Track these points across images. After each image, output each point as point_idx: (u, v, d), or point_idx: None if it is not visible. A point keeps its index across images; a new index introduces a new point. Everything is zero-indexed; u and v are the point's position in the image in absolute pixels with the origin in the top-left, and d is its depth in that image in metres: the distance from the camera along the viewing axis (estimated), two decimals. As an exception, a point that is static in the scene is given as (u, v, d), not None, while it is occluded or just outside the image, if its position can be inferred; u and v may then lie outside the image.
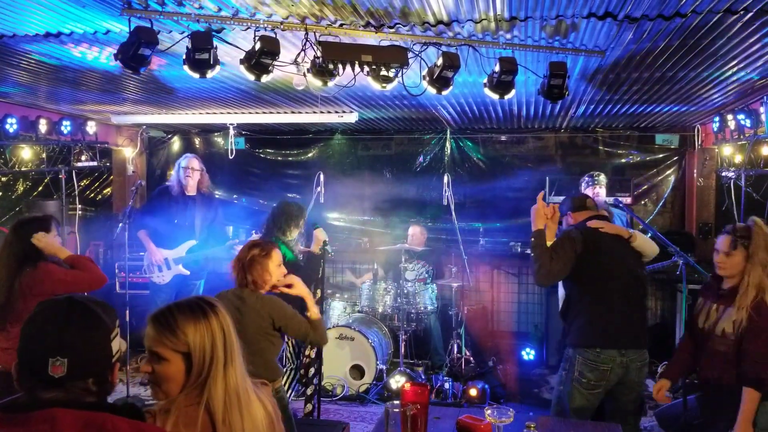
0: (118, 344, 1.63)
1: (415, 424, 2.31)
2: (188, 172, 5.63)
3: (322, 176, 5.77)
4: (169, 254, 5.57)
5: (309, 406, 4.88)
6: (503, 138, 7.84)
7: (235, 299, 3.20)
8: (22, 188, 8.05)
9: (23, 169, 7.28)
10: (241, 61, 3.54)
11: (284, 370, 4.70)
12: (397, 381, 5.58)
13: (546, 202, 6.91)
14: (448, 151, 7.81)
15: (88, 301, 1.63)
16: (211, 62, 3.43)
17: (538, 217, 3.58)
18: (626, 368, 3.39)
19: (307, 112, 6.60)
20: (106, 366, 1.58)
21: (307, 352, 4.67)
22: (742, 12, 3.20)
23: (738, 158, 5.73)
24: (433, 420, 2.71)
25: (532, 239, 3.55)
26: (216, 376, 1.75)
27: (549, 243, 3.54)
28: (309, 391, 4.89)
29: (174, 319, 1.76)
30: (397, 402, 2.41)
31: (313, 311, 3.37)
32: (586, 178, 5.68)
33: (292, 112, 6.63)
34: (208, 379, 1.74)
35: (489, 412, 2.38)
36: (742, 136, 5.41)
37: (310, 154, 8.28)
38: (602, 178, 5.71)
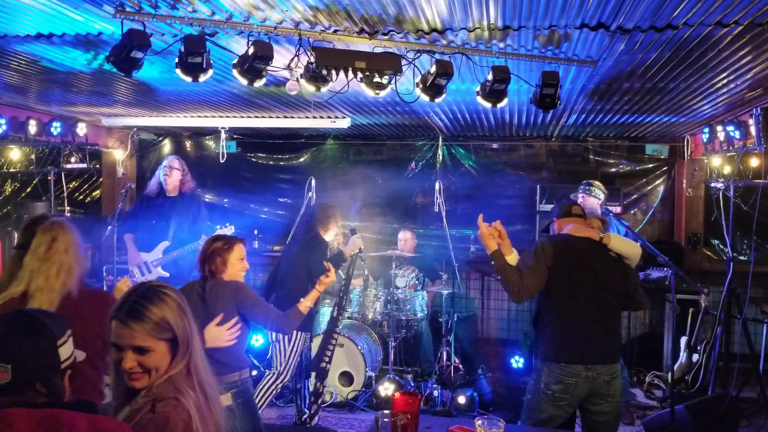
0: (68, 351, 1.69)
1: (404, 433, 2.29)
2: (166, 171, 5.62)
3: (313, 181, 5.77)
4: (147, 257, 5.54)
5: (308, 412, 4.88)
6: (495, 145, 7.86)
7: (199, 289, 3.34)
8: (10, 189, 7.99)
9: (12, 170, 7.23)
10: (234, 66, 3.54)
11: (271, 371, 4.68)
12: (386, 388, 5.56)
13: (537, 210, 6.98)
14: (440, 158, 7.82)
15: (35, 312, 1.73)
16: (204, 66, 3.42)
17: (487, 240, 3.45)
18: (593, 382, 3.33)
19: (299, 117, 6.59)
20: (53, 372, 1.65)
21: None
22: (732, 25, 3.23)
23: (727, 169, 5.78)
24: (423, 430, 2.69)
25: (492, 263, 3.46)
26: (195, 344, 1.89)
27: (512, 257, 3.49)
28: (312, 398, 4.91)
29: (148, 310, 1.81)
30: (387, 411, 2.39)
31: (307, 303, 3.50)
32: (582, 186, 5.58)
33: (285, 117, 6.61)
34: (191, 348, 1.87)
35: (479, 422, 2.37)
36: (731, 148, 5.45)
37: (302, 159, 8.27)
38: (595, 188, 5.51)
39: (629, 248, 3.55)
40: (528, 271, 3.39)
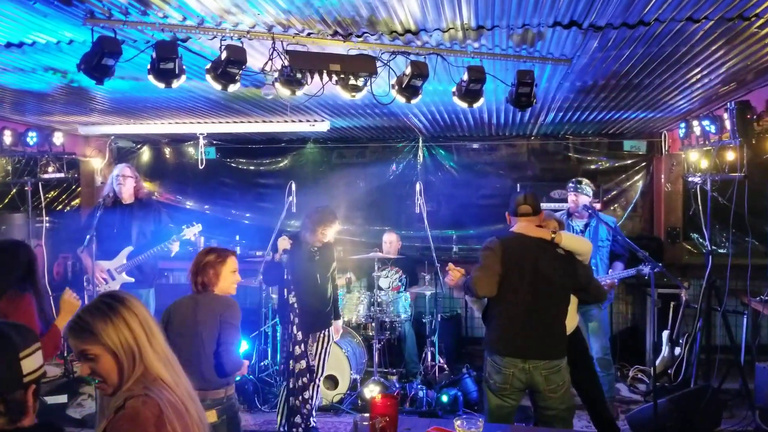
0: (33, 364, 1.61)
1: (384, 436, 2.29)
2: (120, 180, 5.54)
3: (293, 186, 5.74)
4: (109, 265, 5.48)
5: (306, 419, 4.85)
6: (475, 146, 7.89)
7: (191, 302, 3.30)
8: (-14, 201, 7.87)
9: (-13, 181, 7.13)
10: (208, 71, 3.51)
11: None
12: (371, 390, 5.55)
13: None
14: (421, 159, 7.83)
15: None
16: (177, 72, 3.39)
17: (455, 279, 3.85)
18: (530, 375, 3.46)
19: (278, 121, 6.56)
20: (14, 386, 1.57)
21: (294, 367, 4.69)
22: (703, 20, 3.26)
23: (704, 163, 5.82)
24: (403, 431, 2.69)
25: (464, 290, 3.74)
26: (146, 353, 1.88)
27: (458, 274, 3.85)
28: (298, 403, 4.85)
29: (88, 324, 1.82)
30: (366, 415, 2.38)
31: None
32: (571, 185, 5.58)
33: (263, 121, 6.58)
34: (143, 357, 1.87)
35: (458, 422, 2.37)
36: (707, 142, 5.50)
37: (282, 164, 8.23)
38: (584, 185, 5.50)
39: (580, 245, 3.70)
40: (486, 271, 3.56)
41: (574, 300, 3.89)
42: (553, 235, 3.62)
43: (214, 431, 3.04)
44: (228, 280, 3.37)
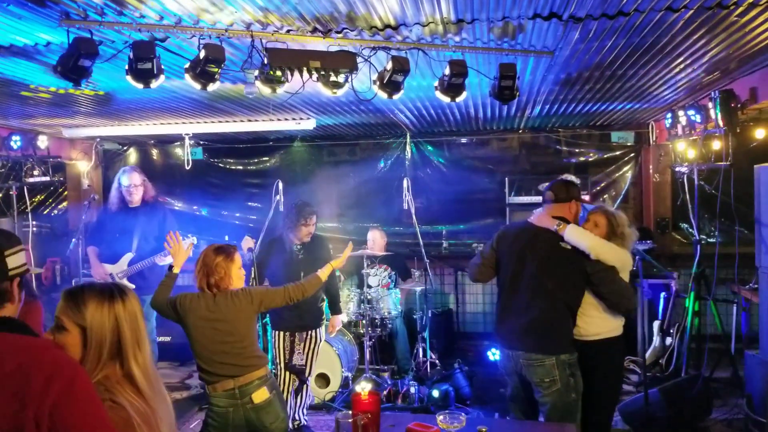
0: (17, 261, 1.82)
1: (367, 433, 2.28)
2: (132, 189, 5.50)
3: (281, 184, 5.71)
4: (112, 269, 5.46)
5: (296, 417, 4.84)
6: (464, 140, 7.88)
7: (209, 303, 3.30)
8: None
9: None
10: (186, 70, 3.48)
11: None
12: (362, 387, 5.51)
13: (507, 202, 6.99)
14: (409, 155, 7.82)
15: None
16: (155, 72, 3.35)
17: None
18: (514, 363, 3.54)
19: (263, 120, 6.53)
20: (1, 278, 1.77)
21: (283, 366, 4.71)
22: (682, 10, 3.24)
23: (691, 153, 5.83)
24: (387, 428, 2.68)
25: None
26: (128, 355, 1.88)
27: None
28: (298, 401, 4.85)
29: (82, 295, 1.88)
30: (348, 412, 2.37)
31: (326, 272, 3.87)
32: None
33: (249, 120, 6.55)
34: (124, 359, 1.88)
35: (441, 418, 2.36)
36: (693, 132, 5.51)
37: (270, 163, 8.21)
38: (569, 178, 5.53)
39: (585, 241, 3.42)
40: (484, 261, 3.78)
41: (597, 304, 3.57)
42: (557, 227, 3.50)
43: (268, 406, 3.26)
44: (237, 277, 3.42)
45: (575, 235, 3.46)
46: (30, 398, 1.56)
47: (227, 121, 6.59)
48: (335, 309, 5.15)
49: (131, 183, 5.51)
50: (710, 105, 4.98)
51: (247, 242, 4.77)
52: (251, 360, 3.32)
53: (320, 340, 4.98)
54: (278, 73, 3.49)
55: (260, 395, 3.24)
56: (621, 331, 3.70)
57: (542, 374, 3.40)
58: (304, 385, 4.88)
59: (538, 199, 6.59)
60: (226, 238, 7.59)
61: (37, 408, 1.55)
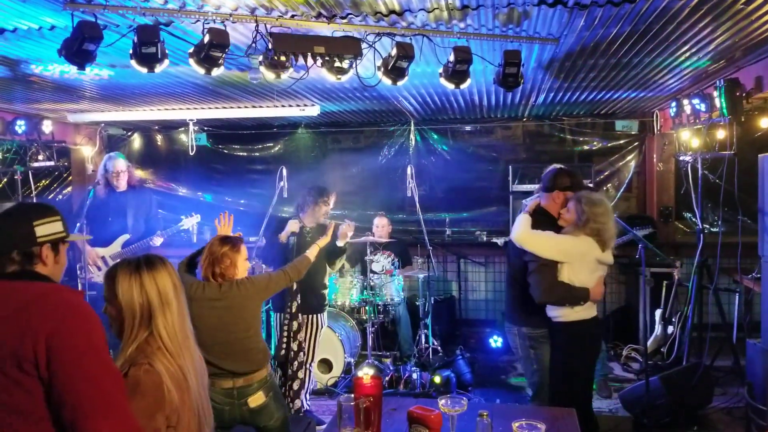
0: (48, 230, 1.97)
1: (368, 417, 2.30)
2: (114, 176, 5.63)
3: (284, 170, 5.72)
4: (104, 252, 5.50)
5: (297, 403, 4.86)
6: (468, 128, 7.87)
7: (214, 292, 3.31)
8: (-24, 191, 7.83)
9: (-24, 171, 7.08)
10: (190, 55, 3.48)
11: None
12: (365, 373, 5.55)
13: (510, 190, 6.99)
14: (413, 143, 7.81)
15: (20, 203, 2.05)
16: (159, 56, 3.35)
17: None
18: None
19: (268, 106, 6.53)
20: (28, 243, 1.93)
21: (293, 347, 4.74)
22: (688, -3, 3.23)
23: (695, 142, 5.81)
24: (389, 411, 2.70)
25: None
26: (156, 322, 2.06)
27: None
28: (295, 386, 4.87)
29: (115, 272, 2.09)
30: (351, 395, 2.40)
31: (314, 252, 4.02)
32: None
33: (253, 107, 6.55)
34: (152, 324, 2.06)
35: (442, 402, 2.38)
36: (697, 121, 5.49)
37: (274, 149, 8.21)
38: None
39: (514, 231, 3.72)
40: None
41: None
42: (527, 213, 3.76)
43: (263, 410, 3.29)
44: (242, 267, 3.44)
45: (515, 224, 3.75)
46: (29, 329, 1.70)
47: (231, 107, 6.58)
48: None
49: (114, 170, 5.61)
50: (715, 94, 4.96)
51: (293, 225, 4.89)
52: (254, 354, 3.33)
53: (322, 326, 5.01)
54: (282, 58, 3.48)
55: (256, 400, 3.27)
56: (590, 316, 3.62)
57: (512, 341, 3.95)
58: (304, 370, 4.91)
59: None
60: (240, 234, 7.65)
61: (35, 338, 1.69)
